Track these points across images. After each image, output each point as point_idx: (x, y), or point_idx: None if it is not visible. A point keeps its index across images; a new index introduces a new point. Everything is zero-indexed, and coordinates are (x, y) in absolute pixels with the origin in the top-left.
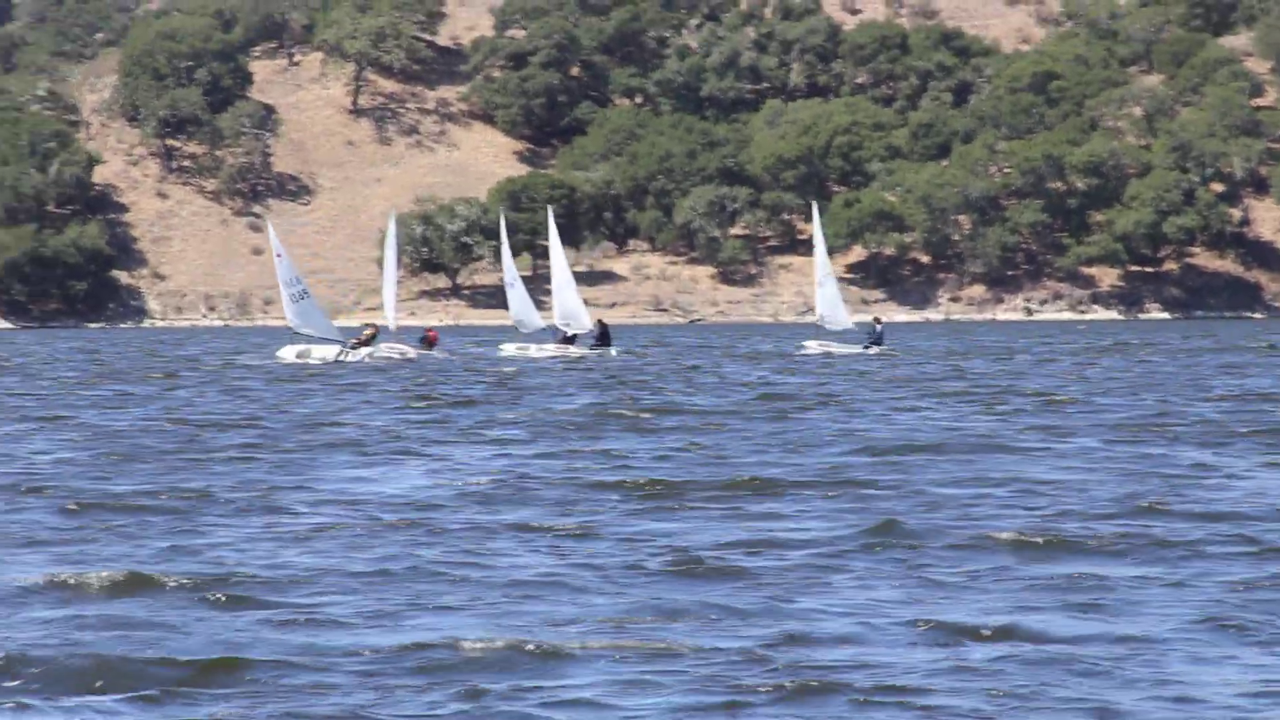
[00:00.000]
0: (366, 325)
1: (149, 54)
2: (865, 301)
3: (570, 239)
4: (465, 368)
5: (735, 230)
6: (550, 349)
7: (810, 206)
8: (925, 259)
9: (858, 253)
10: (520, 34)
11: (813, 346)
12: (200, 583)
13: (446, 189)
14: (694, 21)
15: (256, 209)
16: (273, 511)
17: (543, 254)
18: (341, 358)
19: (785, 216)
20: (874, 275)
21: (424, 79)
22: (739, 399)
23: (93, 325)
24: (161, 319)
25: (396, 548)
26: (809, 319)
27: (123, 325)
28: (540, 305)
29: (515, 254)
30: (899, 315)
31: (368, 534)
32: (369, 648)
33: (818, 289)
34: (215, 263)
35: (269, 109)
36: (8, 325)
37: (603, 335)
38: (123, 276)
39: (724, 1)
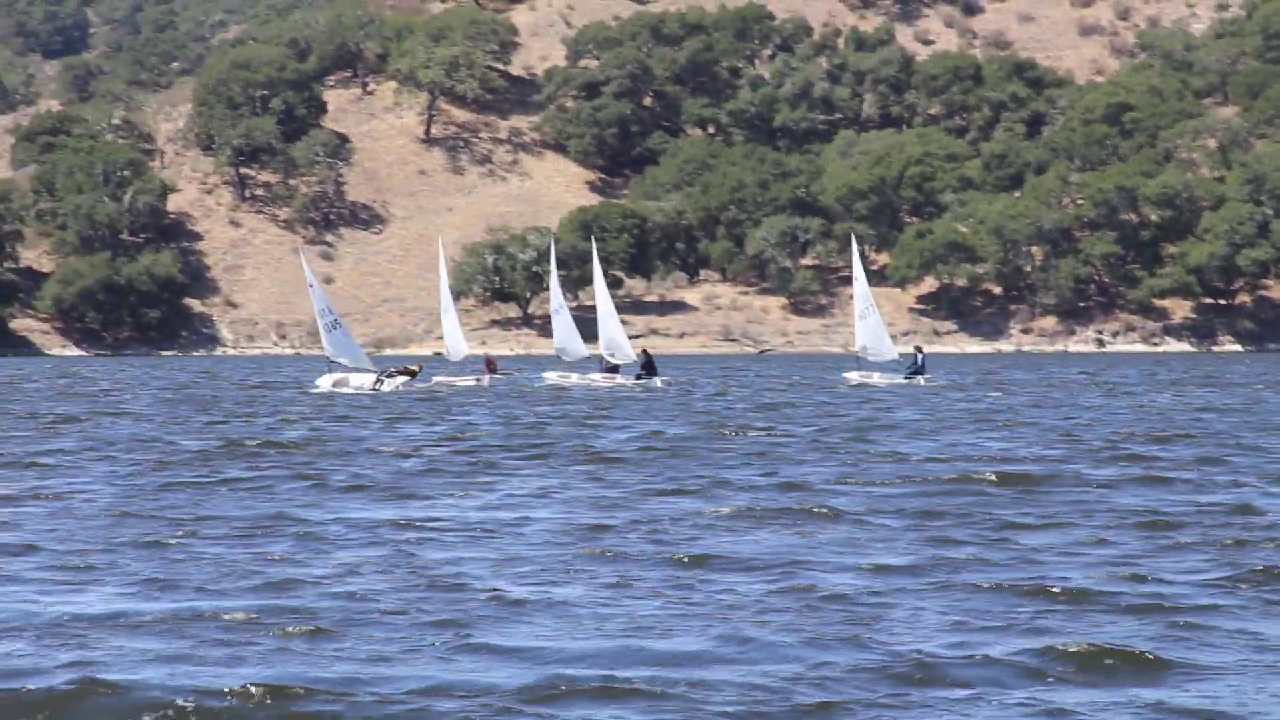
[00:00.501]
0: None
1: (224, 83)
2: (937, 333)
3: (642, 269)
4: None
5: (806, 261)
6: (595, 378)
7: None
8: (997, 290)
9: (929, 284)
10: (593, 64)
11: (853, 377)
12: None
13: (518, 218)
14: (767, 52)
15: (329, 238)
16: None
17: (615, 283)
18: (377, 387)
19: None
20: (945, 306)
21: (497, 108)
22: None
23: (165, 353)
24: (233, 347)
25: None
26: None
27: (195, 353)
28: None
29: (586, 283)
30: (970, 346)
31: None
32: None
33: (859, 321)
34: (287, 291)
35: (342, 138)
36: (81, 353)
37: (647, 365)
38: (195, 305)
39: (797, 32)
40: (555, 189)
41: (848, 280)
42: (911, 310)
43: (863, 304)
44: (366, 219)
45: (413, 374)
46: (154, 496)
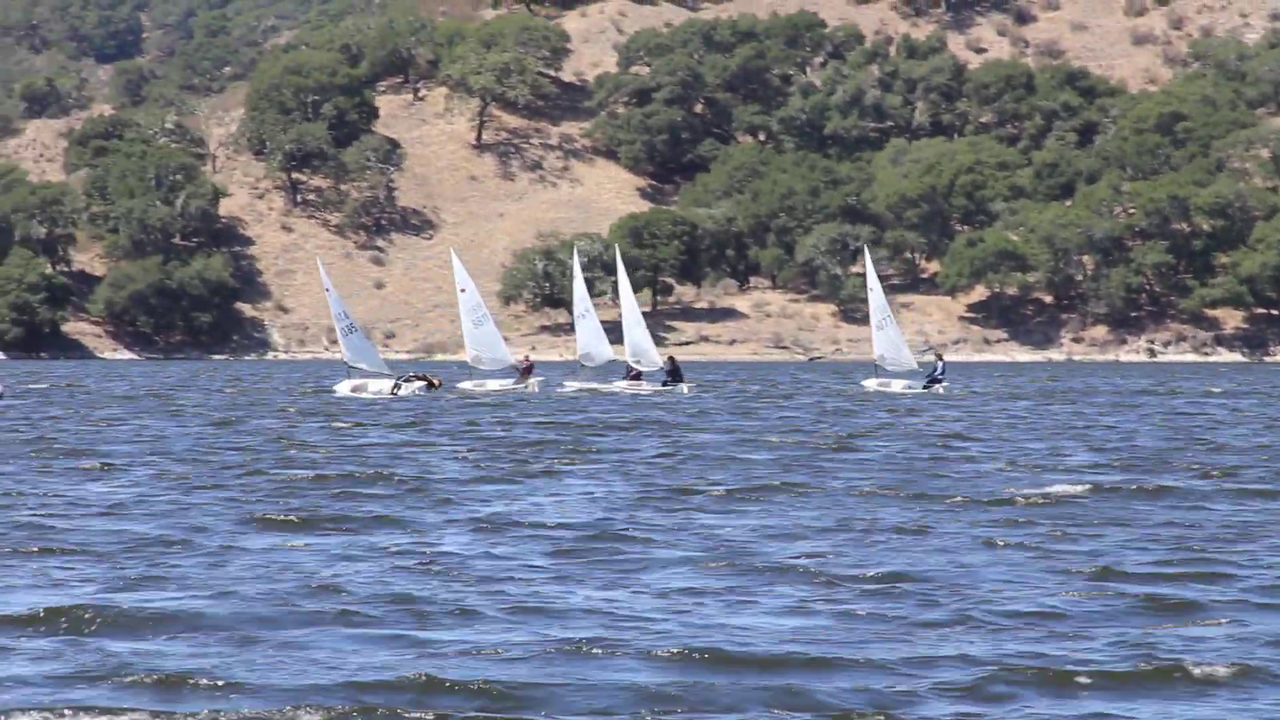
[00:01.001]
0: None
1: (276, 88)
2: (988, 341)
3: (692, 276)
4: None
5: (857, 268)
6: (619, 385)
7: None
8: (1048, 299)
9: (980, 292)
10: (644, 70)
11: (871, 384)
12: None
13: (569, 224)
14: (818, 59)
15: (380, 243)
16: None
17: (665, 290)
18: (395, 392)
19: (908, 255)
20: (996, 315)
21: (548, 115)
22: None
23: (216, 357)
24: (284, 351)
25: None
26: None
27: (246, 358)
28: (659, 342)
29: (636, 289)
30: (1020, 355)
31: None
32: None
33: (876, 331)
34: (339, 296)
35: (393, 143)
36: (133, 356)
37: (673, 372)
38: (246, 309)
39: (849, 39)
40: (606, 195)
41: (898, 288)
42: (962, 319)
43: (879, 315)
44: (417, 224)
45: (433, 385)
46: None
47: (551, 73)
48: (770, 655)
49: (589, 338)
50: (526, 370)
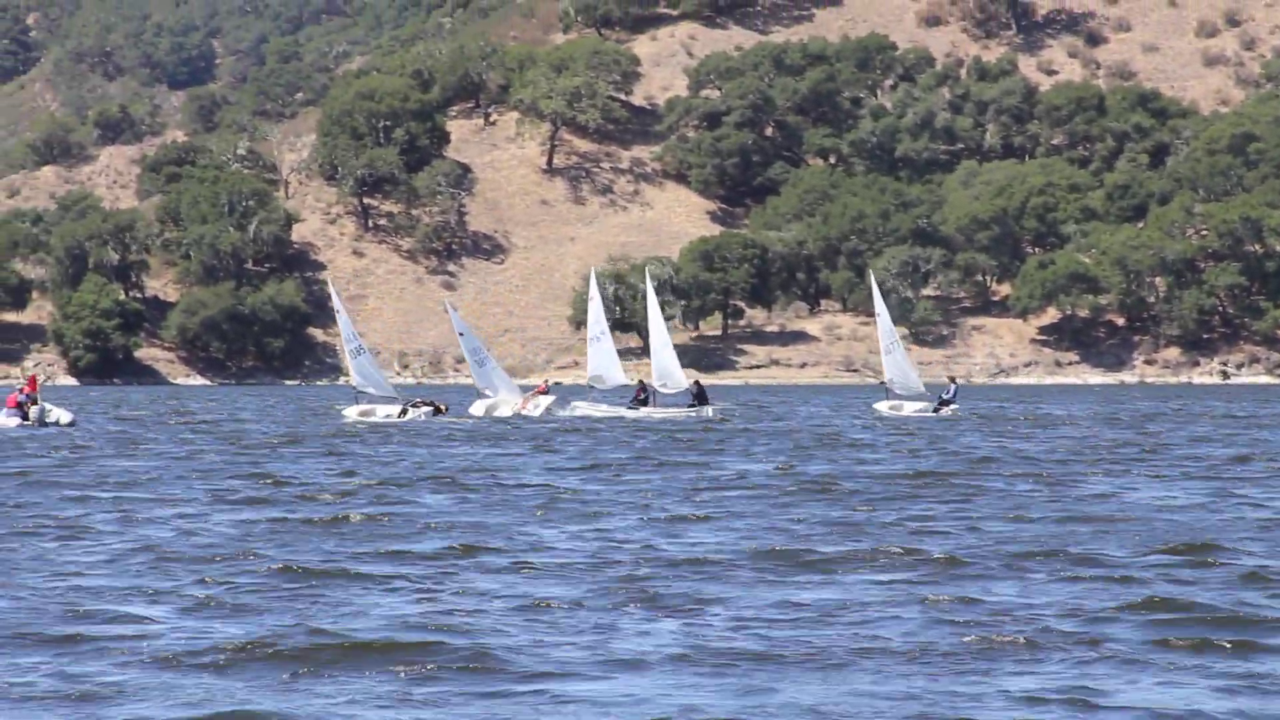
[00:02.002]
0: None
1: (348, 113)
2: (1059, 364)
3: (762, 299)
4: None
5: (928, 291)
6: (623, 411)
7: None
8: (1120, 321)
9: (1051, 314)
10: (714, 94)
11: (883, 408)
12: None
13: (639, 248)
14: (889, 82)
15: (451, 267)
16: None
17: (735, 314)
18: (401, 417)
19: (979, 277)
20: (1067, 337)
21: (618, 138)
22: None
23: (289, 382)
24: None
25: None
26: (1000, 380)
27: (318, 383)
28: (731, 365)
29: (707, 313)
30: (1092, 377)
31: None
32: None
33: (884, 355)
34: (409, 320)
35: (465, 168)
36: (205, 382)
37: (699, 395)
38: (318, 334)
39: (919, 62)
40: (676, 219)
41: (970, 310)
42: (1033, 341)
43: (887, 339)
44: (488, 249)
45: (439, 411)
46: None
47: (622, 97)
48: None
49: (602, 360)
50: (542, 393)
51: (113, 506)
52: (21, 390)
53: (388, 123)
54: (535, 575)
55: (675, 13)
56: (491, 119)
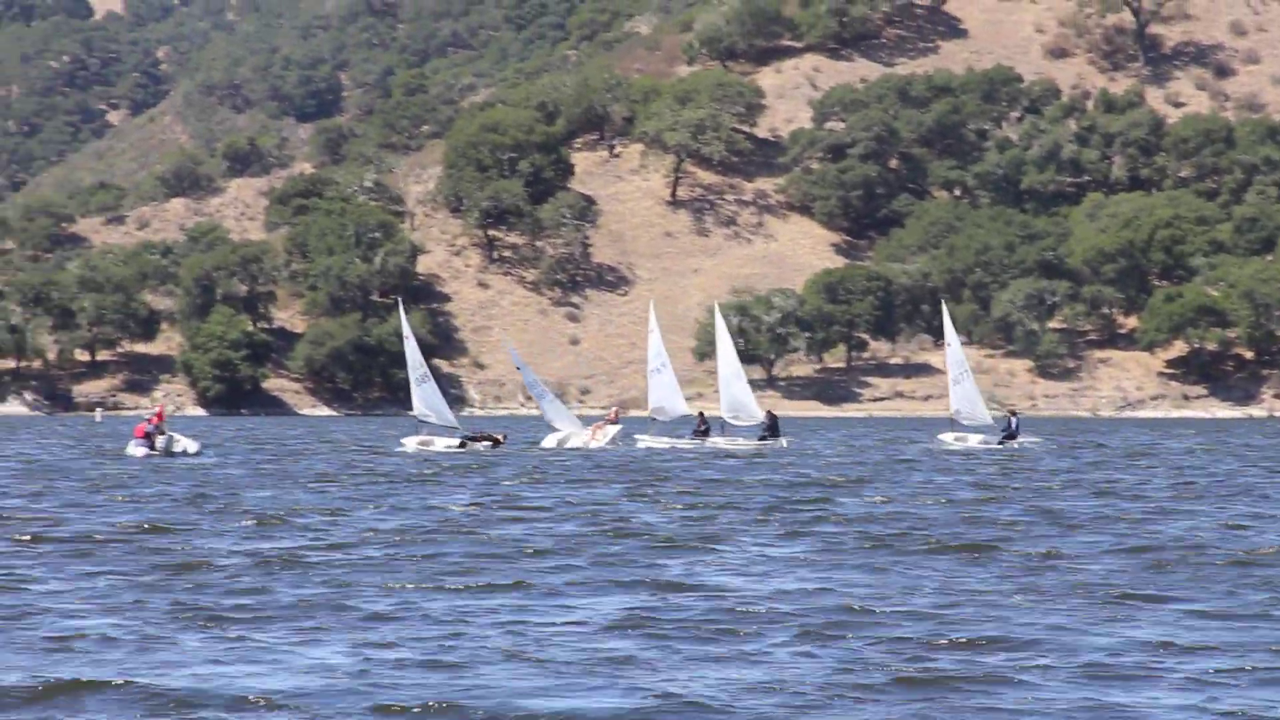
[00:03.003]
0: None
1: (473, 145)
2: (1186, 397)
3: (886, 331)
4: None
5: (1053, 323)
6: (684, 443)
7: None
8: (1248, 355)
9: (1179, 347)
10: (839, 126)
11: (948, 439)
12: None
13: (763, 280)
14: (1015, 114)
15: (575, 299)
16: None
17: (859, 346)
18: (461, 448)
19: (1105, 310)
20: (1195, 370)
21: (742, 170)
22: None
23: (412, 413)
24: (480, 408)
25: None
26: (1127, 414)
27: None
28: (855, 397)
29: (830, 345)
30: (1220, 411)
31: None
32: None
33: (953, 386)
34: (534, 351)
35: (589, 200)
36: (331, 413)
37: (772, 427)
38: (443, 365)
39: (1045, 94)
40: (800, 251)
41: (1096, 343)
42: (1160, 374)
43: (957, 369)
44: (612, 280)
45: (497, 442)
46: None
47: (746, 129)
48: None
49: (663, 392)
50: (611, 422)
51: None
52: (150, 421)
53: (513, 155)
54: None
55: (800, 45)
56: (616, 151)
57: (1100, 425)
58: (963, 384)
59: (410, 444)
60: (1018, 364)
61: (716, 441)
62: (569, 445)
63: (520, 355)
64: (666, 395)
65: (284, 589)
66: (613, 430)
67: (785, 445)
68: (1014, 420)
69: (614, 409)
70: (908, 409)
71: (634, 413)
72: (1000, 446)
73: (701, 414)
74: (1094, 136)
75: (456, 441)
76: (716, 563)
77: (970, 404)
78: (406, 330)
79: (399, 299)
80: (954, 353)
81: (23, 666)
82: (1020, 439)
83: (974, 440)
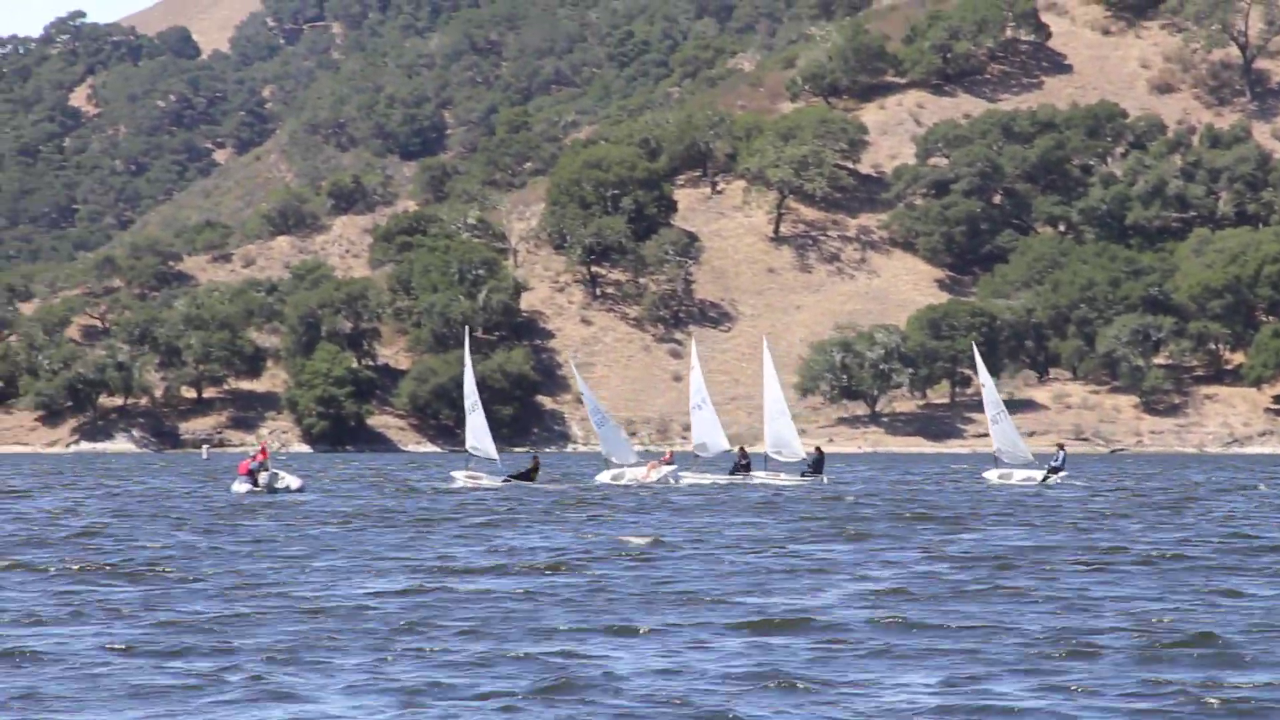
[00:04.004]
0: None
1: (576, 182)
2: None
3: (991, 367)
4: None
5: (1159, 359)
6: (724, 480)
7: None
8: None
9: None
10: (943, 162)
11: (993, 476)
12: None
13: (866, 316)
14: (1119, 149)
15: (678, 336)
16: None
17: (963, 382)
18: (507, 481)
19: (1211, 346)
20: None
21: (845, 207)
22: None
23: (518, 450)
24: (584, 444)
25: None
26: (1234, 450)
27: (547, 450)
28: (959, 433)
29: (935, 381)
30: None
31: None
32: None
33: (992, 425)
34: (637, 388)
35: (691, 236)
36: (435, 449)
37: (817, 463)
38: (547, 401)
39: (1150, 129)
40: (903, 287)
41: (1203, 379)
42: (1268, 410)
43: (994, 409)
44: (715, 317)
45: (534, 469)
46: None
47: (849, 164)
48: None
49: (705, 428)
50: (667, 462)
51: None
52: (254, 458)
53: (615, 191)
54: None
55: (903, 81)
56: (719, 187)
57: (1204, 462)
58: (1001, 424)
59: (460, 477)
60: (1123, 399)
61: (759, 476)
62: (624, 481)
63: (625, 393)
64: (708, 431)
65: None
66: (666, 470)
67: (826, 482)
68: (1061, 455)
69: (668, 450)
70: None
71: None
72: (1043, 483)
73: (742, 449)
74: (1199, 172)
75: (500, 479)
76: None
77: (1010, 442)
78: (467, 359)
79: (467, 328)
80: (989, 393)
81: None
82: (1064, 473)
83: (1018, 476)
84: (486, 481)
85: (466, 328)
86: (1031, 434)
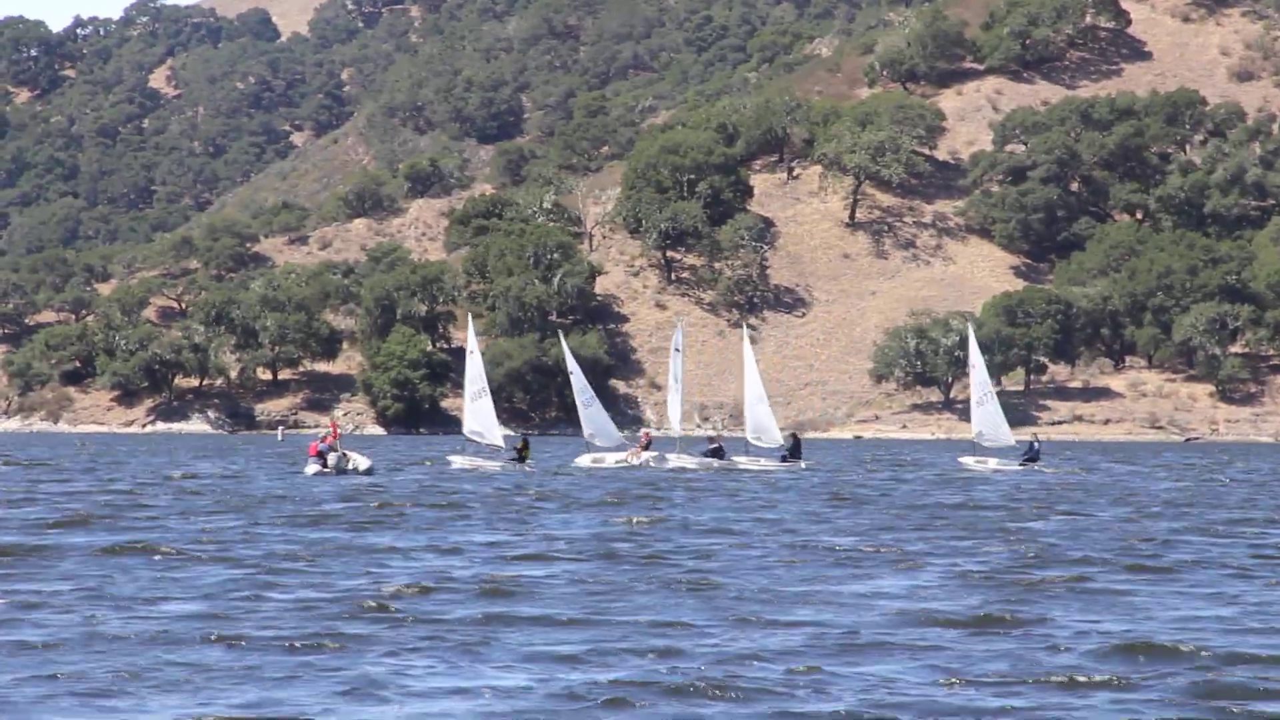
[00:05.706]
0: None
1: (652, 167)
2: None
3: (1066, 355)
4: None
5: (1236, 348)
6: (691, 461)
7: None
8: None
9: None
10: (1020, 149)
11: (969, 461)
12: None
13: (941, 302)
14: (1198, 137)
15: (752, 320)
16: None
17: (1039, 369)
18: (510, 465)
19: None
20: None
21: (921, 193)
22: None
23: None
24: (657, 429)
25: None
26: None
27: (621, 433)
28: (1033, 420)
29: (1010, 368)
30: None
31: None
32: None
33: (976, 407)
34: (710, 373)
35: (767, 222)
36: (508, 432)
37: (794, 449)
38: (620, 385)
39: (1230, 117)
40: (979, 273)
41: (1278, 368)
42: None
43: (980, 391)
44: (790, 302)
45: (525, 446)
46: None
47: (926, 151)
48: None
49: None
50: (645, 446)
51: None
52: (324, 439)
53: (691, 176)
54: None
55: (981, 67)
56: (795, 173)
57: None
58: (986, 406)
59: (459, 460)
60: (1199, 388)
61: (739, 461)
62: (607, 464)
63: (699, 378)
64: (673, 416)
65: None
66: (646, 455)
67: (804, 467)
68: (1036, 444)
69: (645, 433)
70: (1086, 433)
71: (810, 435)
72: (1019, 469)
73: (711, 436)
74: (1279, 160)
75: (498, 463)
76: None
77: (993, 426)
78: (474, 345)
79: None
80: (979, 374)
81: None
82: (1040, 463)
83: (992, 463)
84: (486, 465)
85: (470, 316)
86: (1106, 422)
